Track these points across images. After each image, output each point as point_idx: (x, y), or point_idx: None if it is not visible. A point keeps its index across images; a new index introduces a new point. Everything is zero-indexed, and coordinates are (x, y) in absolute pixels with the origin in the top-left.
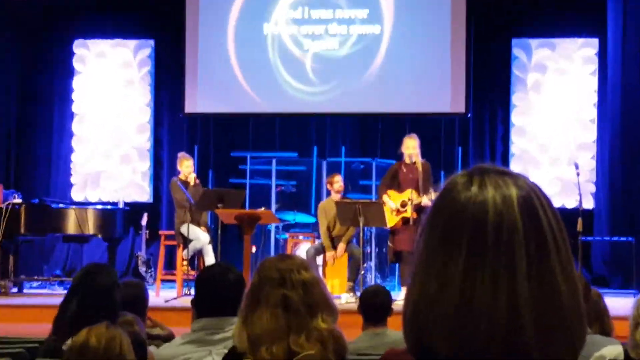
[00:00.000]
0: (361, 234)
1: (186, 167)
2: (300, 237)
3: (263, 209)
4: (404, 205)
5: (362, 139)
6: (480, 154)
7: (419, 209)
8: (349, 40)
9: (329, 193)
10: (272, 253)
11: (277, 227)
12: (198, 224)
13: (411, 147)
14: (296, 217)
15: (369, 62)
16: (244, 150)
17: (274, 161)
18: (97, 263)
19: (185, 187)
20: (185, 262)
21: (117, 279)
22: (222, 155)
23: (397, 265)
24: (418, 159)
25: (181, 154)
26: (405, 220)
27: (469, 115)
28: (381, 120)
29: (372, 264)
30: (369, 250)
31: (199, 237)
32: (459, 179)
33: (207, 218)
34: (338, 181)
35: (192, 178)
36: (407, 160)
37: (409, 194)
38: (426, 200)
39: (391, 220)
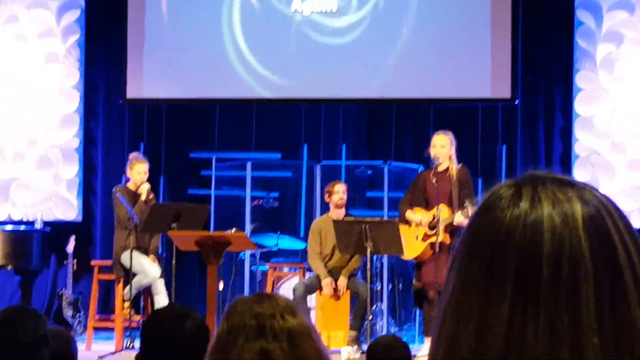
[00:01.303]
0: (368, 265)
1: (138, 173)
2: (285, 270)
3: (234, 230)
4: (432, 227)
5: (370, 135)
6: (532, 155)
7: (452, 231)
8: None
9: (325, 208)
10: (247, 292)
11: (253, 256)
12: (145, 252)
13: (439, 145)
14: (279, 241)
15: (383, 33)
16: (207, 150)
17: (248, 165)
18: (17, 307)
19: (133, 201)
20: (127, 304)
21: (46, 330)
22: (178, 156)
23: (419, 309)
24: (452, 165)
25: (133, 156)
26: (433, 247)
27: (517, 102)
28: (397, 109)
29: (384, 306)
30: (379, 288)
31: (146, 269)
32: (504, 192)
33: (158, 243)
34: (339, 192)
35: (144, 189)
36: (440, 168)
37: (440, 210)
38: (461, 219)
39: (415, 248)
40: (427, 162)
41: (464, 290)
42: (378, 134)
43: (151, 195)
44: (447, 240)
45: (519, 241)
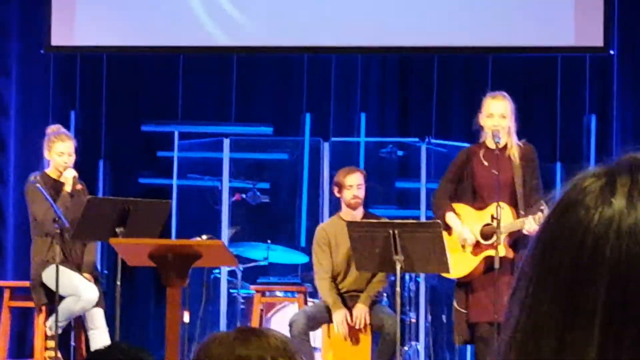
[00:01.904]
0: (398, 288)
1: (58, 154)
2: (279, 294)
3: (205, 237)
4: (487, 234)
5: (402, 101)
6: (633, 130)
7: (515, 241)
8: None
9: (335, 206)
10: (223, 326)
11: (232, 274)
12: (77, 268)
13: (498, 114)
14: (271, 254)
15: None
16: (167, 122)
17: (226, 143)
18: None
19: (55, 193)
20: (51, 343)
21: None
22: (125, 130)
23: (469, 346)
24: (512, 140)
25: (52, 130)
26: (490, 264)
27: (612, 52)
28: (440, 63)
29: (421, 345)
30: (413, 319)
31: (79, 292)
32: (590, 184)
33: (96, 256)
34: (352, 185)
35: (69, 178)
36: (490, 143)
37: (496, 210)
38: (532, 226)
39: (463, 264)
40: (476, 136)
41: (532, 327)
42: (413, 98)
43: (79, 186)
44: (510, 255)
45: (613, 256)
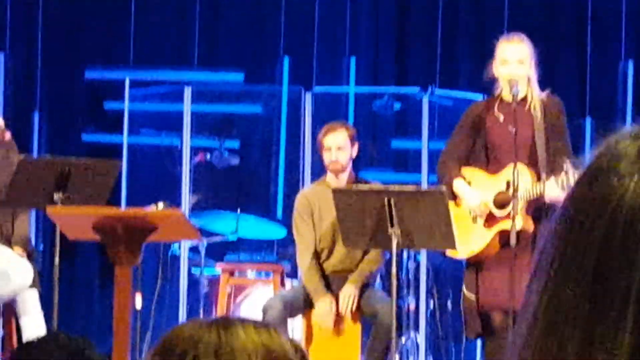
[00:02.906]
0: (394, 268)
1: None
2: (250, 275)
3: (161, 205)
4: (502, 203)
5: (400, 42)
6: None
7: (537, 210)
8: None
9: (320, 169)
10: (183, 312)
11: (194, 251)
12: (6, 242)
13: (515, 60)
14: (241, 225)
15: None
16: (116, 66)
17: (187, 92)
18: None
19: None
20: None
21: None
22: (65, 76)
23: (478, 340)
24: (533, 91)
25: None
26: (506, 240)
27: None
28: None
29: (420, 337)
30: (412, 306)
31: (8, 271)
32: (626, 147)
33: (28, 229)
34: (331, 145)
35: None
36: (507, 94)
37: (513, 173)
38: (554, 191)
39: (474, 240)
40: (491, 89)
41: (554, 317)
42: (412, 40)
43: (7, 136)
44: (530, 228)
45: None
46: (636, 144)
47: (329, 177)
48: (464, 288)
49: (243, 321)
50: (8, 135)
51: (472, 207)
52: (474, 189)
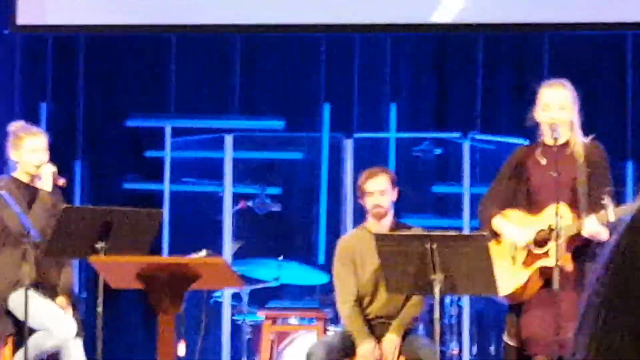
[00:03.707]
0: (437, 314)
1: (31, 152)
2: (293, 321)
3: (204, 253)
4: (541, 241)
5: (440, 89)
6: None
7: (578, 249)
8: None
9: (361, 215)
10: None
11: (237, 298)
12: (51, 292)
13: (556, 105)
14: (283, 273)
15: None
16: (157, 115)
17: (228, 140)
18: None
19: (27, 200)
20: None
21: None
22: (107, 125)
23: None
24: (575, 136)
25: (17, 127)
26: (547, 278)
27: None
28: (485, 43)
29: None
30: (455, 351)
31: (52, 322)
32: None
33: (73, 277)
34: (374, 191)
35: (46, 174)
36: (548, 139)
37: (554, 212)
38: (594, 227)
39: (513, 278)
40: (532, 134)
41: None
42: (452, 85)
43: (61, 181)
44: (570, 267)
45: None
46: None
47: (370, 222)
48: (504, 334)
49: None
50: (62, 180)
51: (513, 241)
52: (514, 225)
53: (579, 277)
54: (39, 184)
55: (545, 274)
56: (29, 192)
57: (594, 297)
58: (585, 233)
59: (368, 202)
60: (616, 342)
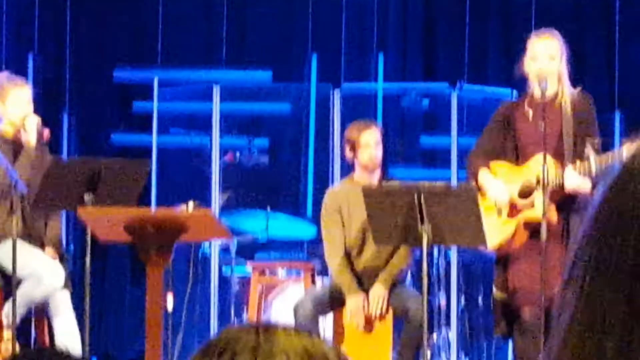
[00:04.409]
0: (424, 265)
1: (16, 103)
2: (281, 273)
3: (192, 205)
4: (525, 193)
5: (428, 39)
6: None
7: (562, 200)
8: None
9: (348, 166)
10: (215, 312)
11: (225, 250)
12: (39, 243)
13: (545, 56)
14: (271, 225)
15: None
16: (144, 66)
17: (216, 91)
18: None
19: (13, 152)
20: (7, 334)
21: None
22: (94, 77)
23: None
24: (563, 87)
25: (1, 78)
26: (534, 230)
27: None
28: None
29: (452, 333)
30: (443, 303)
31: (41, 272)
32: None
33: (61, 229)
34: (369, 142)
35: (31, 126)
36: (537, 91)
37: (540, 163)
38: (574, 179)
39: (498, 231)
40: (521, 85)
41: (592, 321)
42: (441, 35)
43: (46, 134)
44: (553, 218)
45: None
46: None
47: (358, 174)
48: (493, 287)
49: (286, 326)
50: (47, 133)
51: (495, 198)
52: (499, 180)
53: (565, 230)
54: (23, 137)
55: (529, 225)
56: (14, 145)
57: (581, 252)
58: (566, 186)
59: (363, 155)
60: (605, 299)
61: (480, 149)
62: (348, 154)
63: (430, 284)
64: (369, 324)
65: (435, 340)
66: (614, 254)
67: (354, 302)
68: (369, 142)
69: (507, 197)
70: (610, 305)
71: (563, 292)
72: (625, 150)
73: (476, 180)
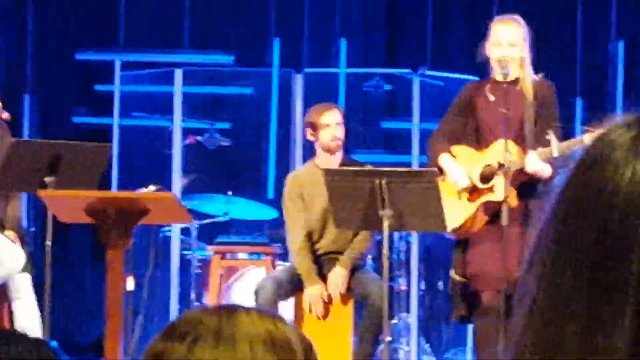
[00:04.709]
0: (385, 249)
1: None
2: (242, 256)
3: (153, 188)
4: (487, 175)
5: (390, 25)
6: None
7: (523, 185)
8: None
9: (309, 150)
10: (175, 294)
11: (186, 233)
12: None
13: (507, 42)
14: (232, 208)
15: None
16: (106, 49)
17: (178, 74)
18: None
19: None
20: None
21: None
22: (56, 58)
23: (463, 323)
24: (525, 73)
25: None
26: (494, 213)
27: None
28: None
29: (412, 318)
30: (403, 287)
31: (1, 256)
32: (619, 135)
33: (21, 211)
34: (331, 124)
35: None
36: (499, 76)
37: (502, 148)
38: (535, 163)
39: (458, 213)
40: (483, 70)
41: (553, 306)
42: (403, 21)
43: (5, 115)
44: (514, 202)
45: None
46: (629, 133)
47: (320, 158)
48: (451, 270)
49: (249, 309)
50: (6, 114)
51: (456, 181)
52: (460, 163)
53: (525, 214)
54: None
55: (489, 209)
56: None
57: (543, 237)
58: (528, 169)
59: (324, 135)
60: (566, 284)
61: (442, 130)
62: (309, 136)
63: (390, 269)
64: (329, 307)
65: (395, 324)
66: (576, 239)
67: (312, 290)
68: (330, 122)
69: (467, 181)
70: (571, 290)
71: (524, 276)
72: (586, 137)
73: (437, 162)
